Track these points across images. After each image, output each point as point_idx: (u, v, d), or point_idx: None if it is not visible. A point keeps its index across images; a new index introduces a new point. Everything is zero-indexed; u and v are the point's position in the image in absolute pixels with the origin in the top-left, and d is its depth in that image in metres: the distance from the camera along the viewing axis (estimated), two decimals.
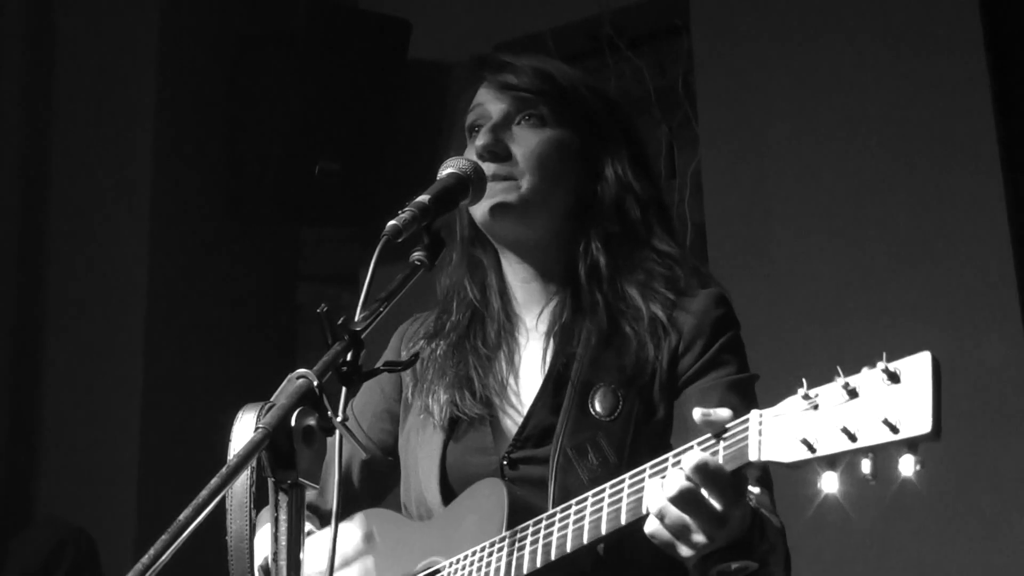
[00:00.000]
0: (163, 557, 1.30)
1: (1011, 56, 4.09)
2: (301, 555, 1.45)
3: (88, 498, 4.39)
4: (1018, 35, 4.13)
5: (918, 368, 1.46)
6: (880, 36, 4.20)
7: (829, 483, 1.47)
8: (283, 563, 1.43)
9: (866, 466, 1.44)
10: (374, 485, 2.26)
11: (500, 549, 1.85)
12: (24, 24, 4.81)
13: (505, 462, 2.03)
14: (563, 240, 2.15)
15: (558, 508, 1.82)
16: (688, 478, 1.60)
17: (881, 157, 4.10)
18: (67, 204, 4.78)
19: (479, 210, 2.08)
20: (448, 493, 2.04)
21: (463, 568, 1.90)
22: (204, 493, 1.33)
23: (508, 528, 1.86)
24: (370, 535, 2.07)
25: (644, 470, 1.71)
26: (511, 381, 2.12)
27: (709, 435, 1.63)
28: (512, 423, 2.08)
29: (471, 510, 1.96)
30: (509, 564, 1.82)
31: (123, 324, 4.60)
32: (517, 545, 1.83)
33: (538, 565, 1.78)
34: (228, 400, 1.61)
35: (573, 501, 1.80)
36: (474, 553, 1.89)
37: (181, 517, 1.32)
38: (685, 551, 1.65)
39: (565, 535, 1.77)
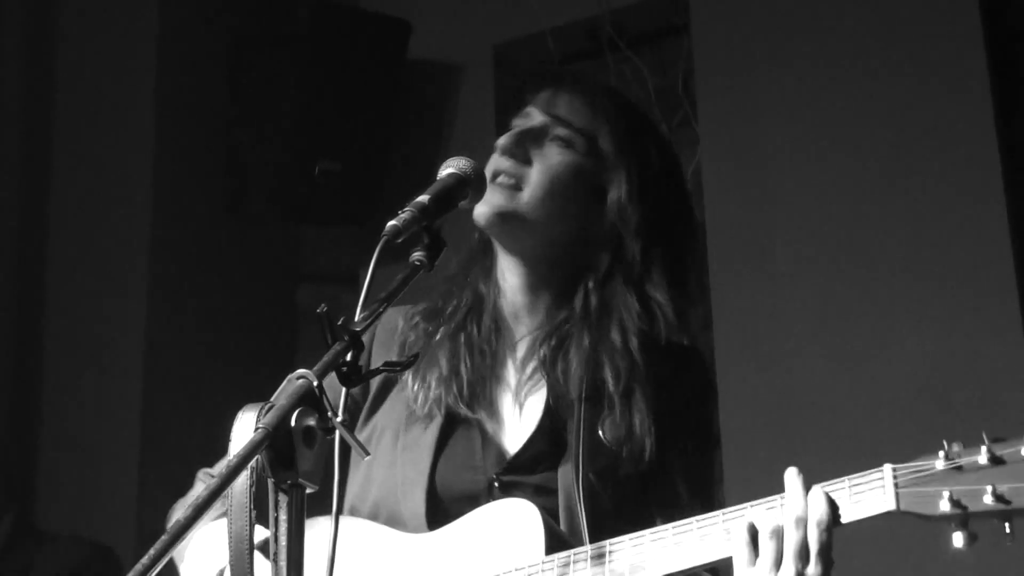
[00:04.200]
0: (163, 557, 1.29)
1: (1011, 56, 4.09)
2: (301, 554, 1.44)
3: (88, 498, 4.39)
4: (1018, 35, 4.13)
5: None
6: (880, 36, 4.20)
7: (958, 540, 1.61)
8: (283, 563, 1.43)
9: (1007, 527, 1.59)
10: None
11: (551, 569, 1.81)
12: (24, 24, 4.81)
13: (496, 484, 2.02)
14: (557, 264, 2.16)
15: (627, 536, 1.79)
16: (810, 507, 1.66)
17: (881, 157, 4.10)
18: (67, 204, 4.78)
19: (476, 210, 2.08)
20: (434, 506, 2.01)
21: None
22: (204, 493, 1.33)
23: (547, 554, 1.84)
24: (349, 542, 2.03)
25: (746, 506, 1.73)
26: (499, 394, 2.11)
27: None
28: (500, 440, 2.07)
29: (493, 531, 1.90)
30: None
31: (123, 324, 4.60)
32: (575, 567, 1.79)
33: None
34: (228, 400, 1.60)
35: (648, 531, 1.78)
36: (516, 570, 1.84)
37: (181, 517, 1.32)
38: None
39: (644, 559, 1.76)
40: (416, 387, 2.10)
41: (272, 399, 1.46)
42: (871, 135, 4.13)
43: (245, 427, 1.47)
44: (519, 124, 2.19)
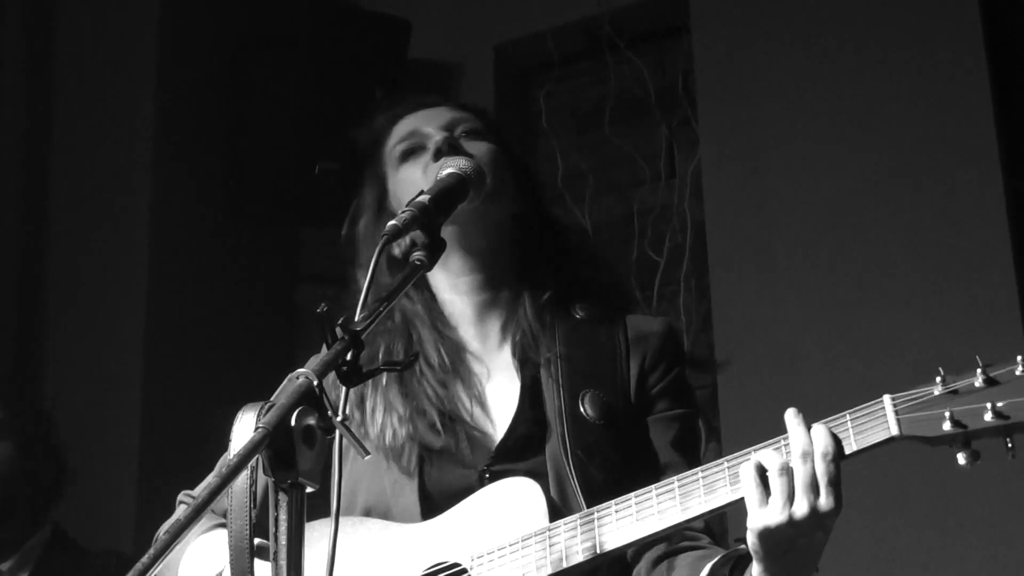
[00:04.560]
0: (163, 557, 1.29)
1: (1011, 56, 4.09)
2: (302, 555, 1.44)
3: (87, 498, 4.38)
4: (1018, 35, 4.13)
5: None
6: (880, 36, 4.21)
7: (962, 459, 1.65)
8: (283, 563, 1.43)
9: (1008, 443, 1.62)
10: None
11: (557, 533, 1.82)
12: (24, 24, 4.81)
13: (487, 475, 2.01)
14: (509, 252, 2.17)
15: (632, 494, 1.80)
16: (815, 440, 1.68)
17: (881, 157, 4.11)
18: (67, 204, 4.78)
19: None
20: (428, 504, 2.00)
21: (504, 555, 1.85)
22: (204, 493, 1.33)
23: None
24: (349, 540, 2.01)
25: (749, 451, 1.75)
26: (476, 395, 2.10)
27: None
28: (485, 435, 2.06)
29: (496, 509, 1.91)
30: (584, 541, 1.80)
31: (123, 324, 4.60)
32: (582, 528, 1.80)
33: (629, 539, 1.78)
34: (228, 400, 1.60)
35: (652, 486, 1.79)
36: (522, 540, 1.85)
37: (181, 517, 1.32)
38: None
39: (649, 515, 1.77)
40: (380, 428, 2.07)
41: (272, 399, 1.46)
42: (871, 135, 4.14)
43: (245, 427, 1.46)
44: (418, 140, 2.18)
